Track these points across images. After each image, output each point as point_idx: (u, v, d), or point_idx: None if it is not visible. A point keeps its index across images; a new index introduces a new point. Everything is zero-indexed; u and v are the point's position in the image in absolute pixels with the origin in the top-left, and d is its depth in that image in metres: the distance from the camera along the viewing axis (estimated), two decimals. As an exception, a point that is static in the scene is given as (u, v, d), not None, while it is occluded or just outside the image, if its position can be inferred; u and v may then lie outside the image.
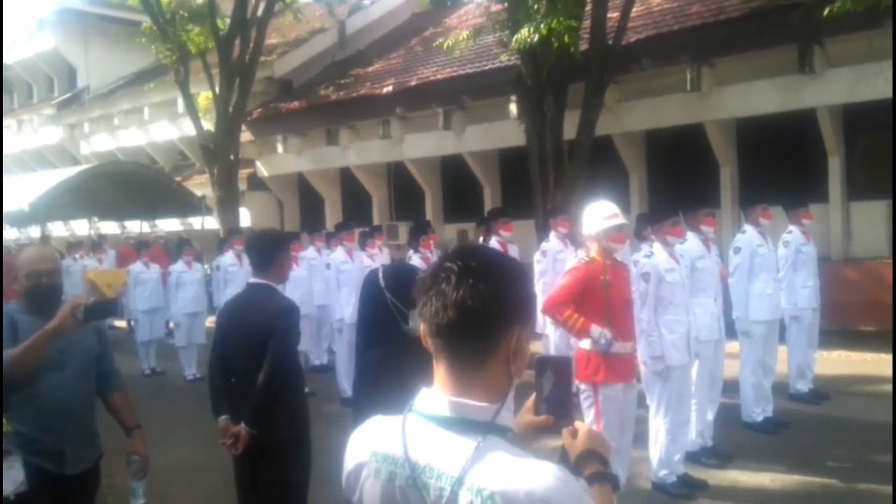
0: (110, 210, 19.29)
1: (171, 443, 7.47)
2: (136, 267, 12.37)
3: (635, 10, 12.61)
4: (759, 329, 7.13)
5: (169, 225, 21.16)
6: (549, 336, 8.25)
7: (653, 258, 5.76)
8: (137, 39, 19.34)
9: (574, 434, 1.60)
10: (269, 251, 4.30)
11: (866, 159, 12.69)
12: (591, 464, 1.57)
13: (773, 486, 5.77)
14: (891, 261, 11.67)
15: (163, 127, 23.29)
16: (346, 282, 9.96)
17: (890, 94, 11.01)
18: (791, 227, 7.94)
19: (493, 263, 1.50)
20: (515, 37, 10.34)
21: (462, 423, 1.44)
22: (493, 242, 9.33)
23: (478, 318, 1.44)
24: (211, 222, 18.41)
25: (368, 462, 1.54)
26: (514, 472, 1.35)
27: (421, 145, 16.77)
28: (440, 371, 1.50)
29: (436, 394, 1.49)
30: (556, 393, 1.57)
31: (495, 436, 1.43)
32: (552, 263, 8.53)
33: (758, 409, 7.11)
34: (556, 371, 1.57)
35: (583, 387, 5.18)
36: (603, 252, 5.15)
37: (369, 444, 1.56)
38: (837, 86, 11.50)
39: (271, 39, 20.81)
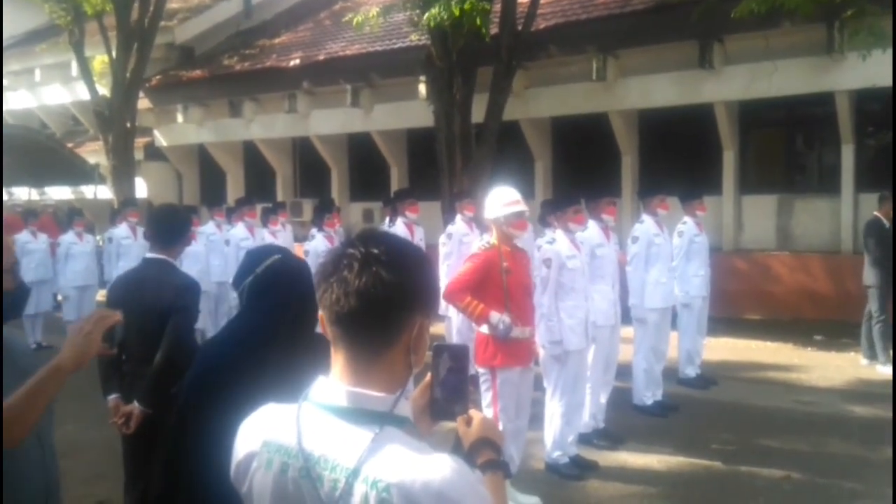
0: (-5, 175, 18.29)
1: (57, 420, 7.13)
2: (23, 236, 11.79)
3: (545, -4, 12.74)
4: (653, 316, 7.34)
5: (59, 193, 20.25)
6: (451, 318, 8.28)
7: (554, 245, 5.84)
8: (29, -4, 18.30)
9: (468, 422, 1.60)
10: (180, 227, 4.17)
11: (759, 155, 13.26)
12: (484, 451, 1.56)
13: (660, 468, 5.97)
14: (778, 253, 12.26)
15: (55, 90, 22.15)
16: (245, 258, 9.77)
17: (783, 92, 11.53)
18: (685, 218, 8.19)
19: (397, 251, 1.46)
20: (426, 14, 10.27)
21: (359, 414, 1.40)
22: (399, 223, 9.31)
23: (380, 307, 1.41)
24: (104, 192, 17.69)
25: (259, 452, 1.48)
26: (411, 464, 1.33)
27: (328, 121, 16.52)
28: (338, 360, 1.46)
29: (333, 383, 1.45)
30: (452, 380, 1.55)
31: (393, 426, 1.40)
32: (457, 246, 8.55)
33: (648, 393, 7.33)
34: (453, 357, 1.56)
35: (481, 370, 5.23)
36: (503, 238, 5.18)
37: (261, 434, 1.50)
38: (734, 82, 11.94)
39: (172, 3, 19.98)
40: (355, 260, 1.42)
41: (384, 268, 1.41)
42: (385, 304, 1.41)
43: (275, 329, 2.53)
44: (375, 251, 1.43)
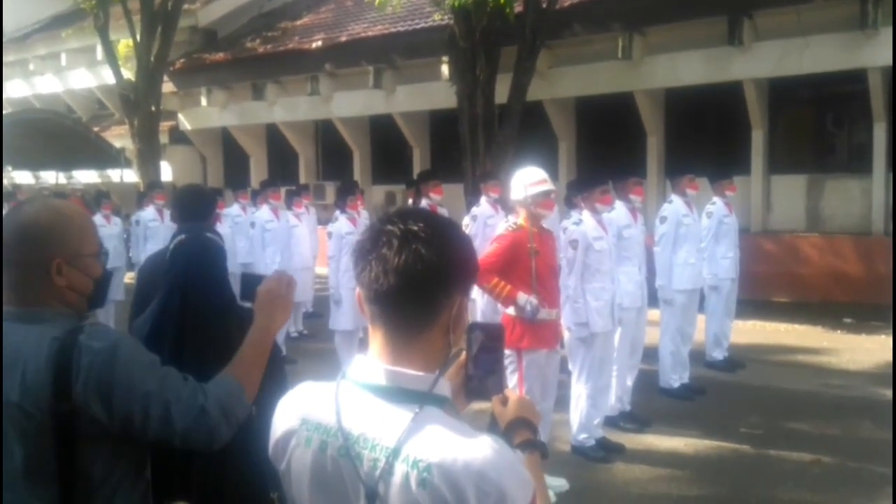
0: (25, 159, 18.52)
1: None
2: (51, 219, 11.89)
3: (570, -26, 12.58)
4: (681, 298, 7.25)
5: (86, 177, 20.45)
6: (475, 300, 8.24)
7: (581, 226, 5.77)
8: (54, -19, 18.43)
9: (504, 401, 1.59)
10: (205, 206, 4.15)
11: (788, 134, 13.03)
12: (521, 431, 1.56)
13: (687, 451, 5.91)
14: (807, 234, 12.07)
15: (81, 74, 22.37)
16: (271, 241, 9.91)
17: (814, 69, 11.30)
18: (715, 199, 8.06)
19: (437, 228, 1.43)
20: (452, -6, 10.20)
21: (398, 393, 1.39)
22: (423, 205, 9.27)
23: (420, 285, 1.38)
24: (130, 175, 17.82)
25: (298, 430, 1.48)
26: (452, 444, 1.32)
27: (350, 104, 16.50)
28: (376, 338, 1.44)
29: (371, 361, 1.44)
30: (486, 359, 1.54)
31: (433, 406, 1.38)
32: (482, 228, 8.52)
33: (675, 376, 7.25)
34: (488, 336, 1.55)
35: (507, 352, 5.18)
36: (530, 219, 5.12)
37: (299, 411, 1.50)
38: (764, 59, 11.71)
39: (196, -14, 20.11)
40: (395, 237, 1.40)
41: (424, 245, 1.39)
42: (425, 282, 1.38)
43: (184, 297, 2.75)
44: (415, 228, 1.40)
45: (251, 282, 2.41)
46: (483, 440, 1.33)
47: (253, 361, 2.12)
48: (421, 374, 1.40)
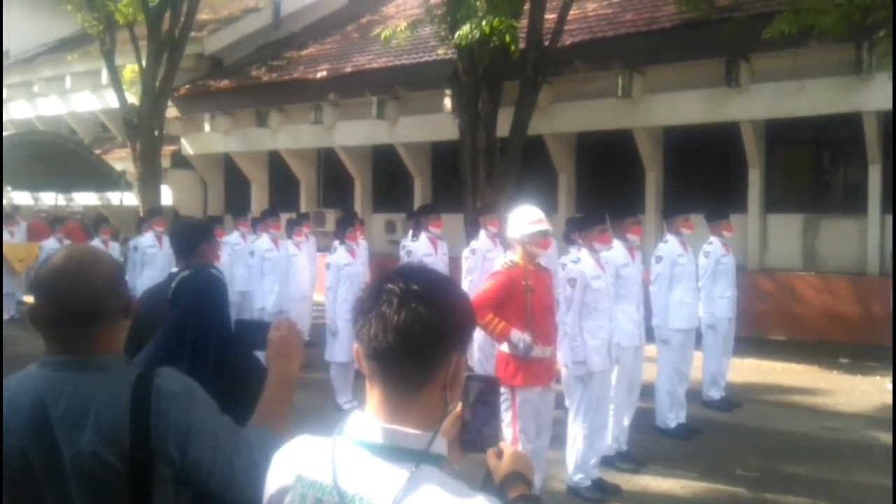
0: (24, 180, 18.57)
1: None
2: (49, 243, 11.95)
3: (571, 13, 12.71)
4: (677, 337, 7.28)
5: (86, 199, 20.47)
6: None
7: (580, 264, 5.82)
8: (62, 6, 18.53)
9: (499, 455, 1.59)
10: (196, 239, 4.18)
11: (785, 174, 13.13)
12: (516, 486, 1.55)
13: (683, 494, 5.90)
14: (803, 273, 12.11)
15: (85, 97, 22.46)
16: (269, 270, 9.92)
17: (810, 112, 11.43)
18: (712, 238, 8.12)
19: (436, 287, 1.46)
20: (457, 33, 10.33)
21: (395, 452, 1.40)
22: (423, 237, 9.36)
23: (419, 344, 1.40)
24: (130, 198, 17.87)
25: (293, 487, 1.47)
26: None
27: (353, 133, 16.60)
28: (374, 395, 1.46)
29: (368, 419, 1.45)
30: (482, 411, 1.55)
31: (429, 465, 1.39)
32: (480, 262, 8.57)
33: (671, 416, 7.26)
34: (485, 387, 1.56)
35: (501, 389, 5.19)
36: (526, 256, 5.17)
37: (295, 468, 1.50)
38: (761, 101, 11.84)
39: (203, 15, 20.22)
40: (394, 295, 1.42)
41: (423, 304, 1.41)
42: (424, 341, 1.40)
43: (182, 334, 2.79)
44: (415, 287, 1.43)
45: (251, 329, 2.38)
46: (478, 501, 1.34)
47: (281, 411, 2.12)
48: (418, 432, 1.41)
